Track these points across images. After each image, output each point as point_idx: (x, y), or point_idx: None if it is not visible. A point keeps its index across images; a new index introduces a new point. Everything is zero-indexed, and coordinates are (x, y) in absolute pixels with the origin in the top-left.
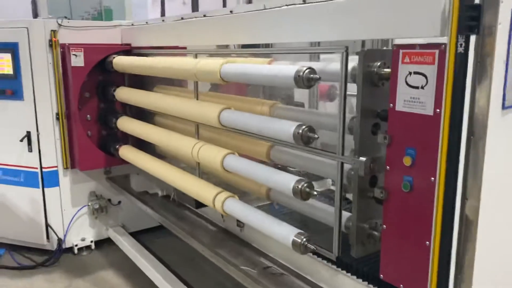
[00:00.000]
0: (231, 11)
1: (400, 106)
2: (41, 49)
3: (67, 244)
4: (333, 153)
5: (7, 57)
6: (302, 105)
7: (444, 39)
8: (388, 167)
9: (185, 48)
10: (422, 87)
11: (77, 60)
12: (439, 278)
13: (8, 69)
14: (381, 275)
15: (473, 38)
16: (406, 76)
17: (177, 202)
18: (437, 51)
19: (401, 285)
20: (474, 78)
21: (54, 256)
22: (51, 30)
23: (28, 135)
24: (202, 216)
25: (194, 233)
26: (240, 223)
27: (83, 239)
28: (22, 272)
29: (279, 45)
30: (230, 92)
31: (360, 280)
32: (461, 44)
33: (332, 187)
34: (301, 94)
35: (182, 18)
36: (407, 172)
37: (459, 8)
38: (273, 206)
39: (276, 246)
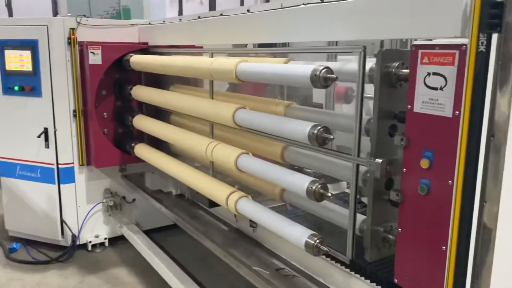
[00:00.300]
0: (248, 10)
1: (418, 107)
2: (60, 46)
3: (81, 241)
4: (348, 154)
5: (27, 54)
6: (320, 106)
7: (464, 40)
8: (404, 169)
9: (201, 47)
10: (441, 88)
11: (95, 58)
12: (455, 284)
13: (28, 66)
14: (396, 279)
15: (495, 37)
16: (425, 77)
17: (190, 201)
18: (457, 52)
19: None
20: (496, 78)
21: (68, 252)
22: (70, 28)
23: (46, 131)
24: (215, 216)
25: (207, 233)
26: (253, 224)
27: (97, 236)
28: (37, 266)
29: (296, 45)
30: (247, 92)
31: (374, 284)
32: (482, 43)
33: (347, 190)
34: (319, 95)
35: (199, 17)
36: (424, 174)
37: (481, 5)
38: (286, 208)
39: (288, 247)
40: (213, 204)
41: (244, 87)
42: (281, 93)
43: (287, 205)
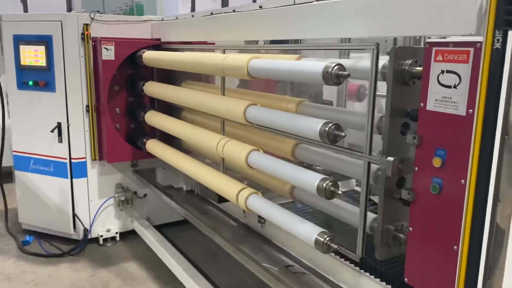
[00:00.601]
0: (260, 6)
1: (431, 105)
2: (73, 42)
3: (93, 235)
4: (360, 152)
5: (41, 49)
6: (330, 103)
7: (479, 37)
8: (416, 168)
9: (213, 43)
10: (455, 87)
11: (108, 53)
12: (467, 284)
13: (42, 61)
14: (406, 278)
15: (511, 34)
16: (439, 75)
17: (200, 197)
18: (472, 49)
19: None
20: (511, 76)
21: (80, 245)
22: (84, 24)
23: (59, 126)
24: (224, 211)
25: (216, 228)
26: (261, 220)
27: (108, 230)
28: (49, 259)
29: (307, 41)
30: (258, 89)
31: (384, 283)
32: (498, 40)
33: (356, 188)
34: (329, 93)
35: (211, 14)
36: (436, 173)
37: (497, 2)
38: (296, 205)
39: (297, 244)
40: (222, 199)
41: (255, 83)
42: (292, 90)
43: (295, 202)
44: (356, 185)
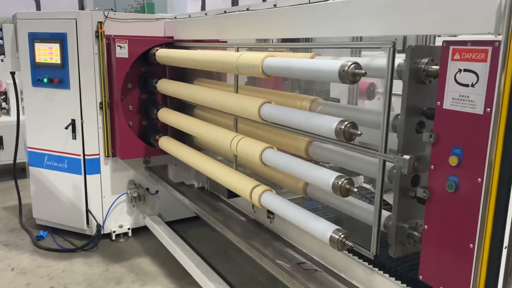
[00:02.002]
0: (274, 5)
1: (448, 104)
2: (87, 40)
3: (106, 230)
4: (375, 150)
5: (56, 47)
6: (337, 101)
7: (498, 36)
8: (432, 166)
9: (225, 41)
10: (473, 85)
11: (122, 51)
12: (487, 282)
13: (56, 59)
14: (420, 276)
15: None
16: (456, 74)
17: (210, 193)
18: (490, 48)
19: (441, 287)
20: None
21: (93, 241)
22: (98, 22)
23: (73, 123)
24: (234, 208)
25: (228, 225)
26: (270, 215)
27: (120, 226)
28: (63, 254)
29: (320, 40)
30: (265, 87)
31: (399, 282)
32: None
33: (365, 185)
34: (337, 90)
35: (224, 12)
36: (452, 172)
37: None
38: (305, 200)
39: (307, 240)
40: (231, 194)
41: (263, 81)
42: (299, 87)
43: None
44: (364, 182)
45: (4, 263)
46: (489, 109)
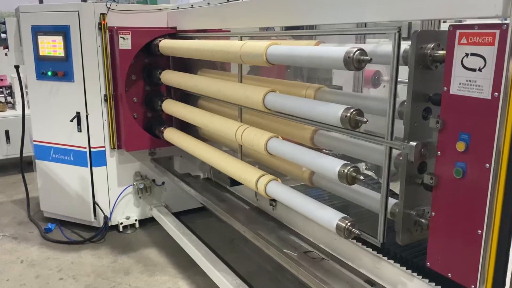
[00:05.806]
0: None
1: (454, 89)
2: (90, 32)
3: (113, 222)
4: (381, 137)
5: (59, 39)
6: (340, 89)
7: (506, 19)
8: (439, 152)
9: (229, 31)
10: (480, 70)
11: (125, 43)
12: (496, 267)
13: (60, 52)
14: (428, 263)
15: None
16: (463, 58)
17: (215, 183)
18: (498, 31)
19: (449, 274)
20: None
21: (100, 232)
22: (101, 13)
23: (78, 115)
24: (237, 196)
25: (234, 215)
26: (272, 203)
27: (127, 218)
28: (71, 246)
29: (323, 27)
30: (268, 76)
31: (404, 268)
32: None
33: (367, 172)
34: (342, 79)
35: (227, 1)
36: (460, 158)
37: None
38: (308, 189)
39: (312, 228)
40: (234, 182)
41: (266, 69)
42: (302, 76)
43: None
44: (366, 169)
45: (13, 256)
46: (496, 94)
